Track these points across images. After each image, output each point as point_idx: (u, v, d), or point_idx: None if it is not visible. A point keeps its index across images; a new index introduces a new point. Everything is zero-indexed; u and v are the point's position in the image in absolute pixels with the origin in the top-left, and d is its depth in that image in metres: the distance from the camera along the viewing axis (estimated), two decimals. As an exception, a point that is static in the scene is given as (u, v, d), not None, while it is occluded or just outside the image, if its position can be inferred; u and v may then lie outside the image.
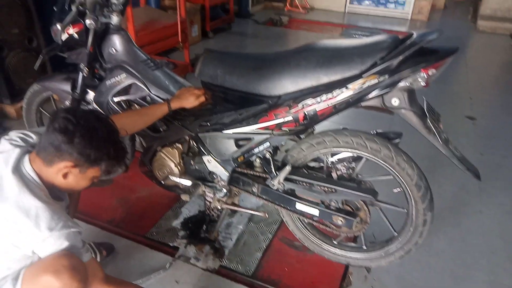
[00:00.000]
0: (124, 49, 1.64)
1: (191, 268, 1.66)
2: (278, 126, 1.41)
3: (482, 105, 3.47)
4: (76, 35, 1.64)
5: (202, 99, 1.53)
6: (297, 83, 1.33)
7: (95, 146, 1.08)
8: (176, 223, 1.92)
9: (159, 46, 3.53)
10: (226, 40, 5.06)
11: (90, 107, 1.78)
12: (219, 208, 1.77)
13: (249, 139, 1.51)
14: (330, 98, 1.29)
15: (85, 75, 1.66)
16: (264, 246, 1.82)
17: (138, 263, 1.68)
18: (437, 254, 1.82)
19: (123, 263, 1.68)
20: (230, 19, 5.45)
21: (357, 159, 1.47)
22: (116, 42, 1.64)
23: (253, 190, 1.63)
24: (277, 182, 1.51)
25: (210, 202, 1.75)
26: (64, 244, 1.05)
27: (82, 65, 1.64)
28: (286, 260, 1.76)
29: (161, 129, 1.68)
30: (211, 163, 1.62)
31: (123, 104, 1.70)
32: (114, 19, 1.58)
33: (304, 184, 1.51)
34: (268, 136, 1.46)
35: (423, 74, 1.19)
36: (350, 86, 1.26)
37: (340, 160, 1.49)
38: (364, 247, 1.64)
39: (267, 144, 1.49)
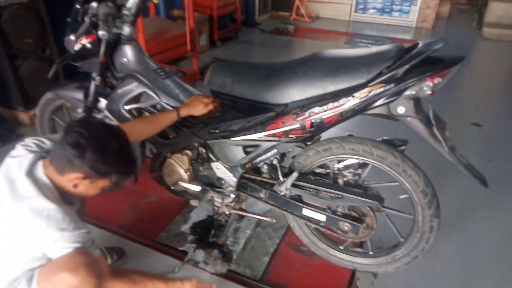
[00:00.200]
0: (135, 59, 1.69)
1: (199, 272, 1.68)
2: (286, 133, 1.44)
3: (488, 112, 3.47)
4: (88, 45, 1.69)
5: (211, 107, 1.57)
6: (304, 92, 1.35)
7: (106, 161, 1.12)
8: (185, 227, 1.95)
9: (169, 55, 3.60)
10: (233, 49, 5.12)
11: (102, 115, 1.83)
12: (227, 213, 1.80)
13: (257, 146, 1.54)
14: (336, 106, 1.32)
15: (97, 83, 1.70)
16: (272, 251, 1.84)
17: (147, 267, 1.70)
18: (444, 261, 1.82)
19: (133, 267, 1.70)
20: (237, 28, 5.52)
21: (363, 165, 1.49)
22: (128, 52, 1.68)
23: (261, 195, 1.66)
24: (284, 188, 1.53)
25: (218, 207, 1.78)
26: (75, 245, 1.08)
27: (94, 74, 1.69)
28: (293, 265, 1.77)
29: (171, 136, 1.71)
30: (220, 169, 1.66)
31: (134, 112, 1.74)
32: (126, 29, 1.63)
33: (311, 190, 1.53)
34: (275, 143, 1.48)
35: (429, 82, 1.21)
36: (356, 94, 1.28)
37: (346, 167, 1.51)
38: (371, 253, 1.65)
39: (275, 150, 1.51)
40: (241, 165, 1.61)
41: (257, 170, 1.69)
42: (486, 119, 3.28)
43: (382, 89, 1.25)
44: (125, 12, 1.63)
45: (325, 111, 1.34)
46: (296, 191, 1.55)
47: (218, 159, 1.64)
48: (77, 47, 1.71)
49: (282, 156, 1.61)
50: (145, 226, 1.96)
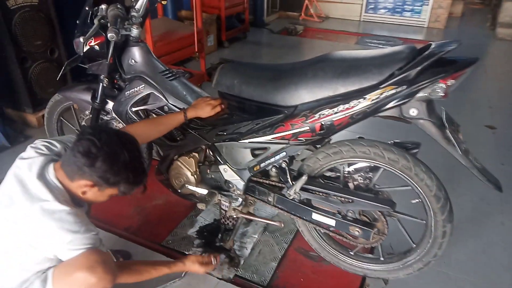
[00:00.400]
0: (143, 60, 1.68)
1: (206, 277, 1.66)
2: (295, 136, 1.41)
3: (502, 114, 3.39)
4: (97, 47, 1.68)
5: (218, 109, 1.55)
6: (314, 93, 1.33)
7: (115, 172, 1.12)
8: (192, 231, 1.93)
9: (176, 56, 3.59)
10: (241, 50, 5.11)
11: (110, 116, 1.82)
12: (235, 217, 1.78)
13: (265, 149, 1.52)
14: (347, 109, 1.29)
15: (105, 85, 1.70)
16: (280, 256, 1.81)
17: (154, 271, 1.69)
18: (457, 267, 1.78)
19: (139, 270, 1.70)
20: (245, 29, 5.51)
21: (374, 169, 1.45)
22: (136, 54, 1.68)
23: (269, 199, 1.63)
24: (293, 191, 1.51)
25: (225, 211, 1.76)
26: (87, 246, 1.11)
27: (102, 76, 1.69)
28: (301, 271, 1.74)
29: (178, 138, 1.70)
30: (227, 172, 1.63)
31: (141, 114, 1.73)
32: (134, 31, 1.62)
33: (321, 194, 1.50)
34: (284, 145, 1.46)
35: (441, 84, 1.18)
36: (367, 96, 1.25)
37: (357, 170, 1.48)
38: (382, 259, 1.61)
39: (283, 153, 1.49)
40: (249, 168, 1.58)
41: (265, 173, 1.66)
42: (500, 122, 3.21)
43: (394, 91, 1.22)
44: (133, 14, 1.62)
45: (336, 113, 1.31)
46: (305, 195, 1.53)
47: (225, 162, 1.62)
48: (85, 49, 1.71)
49: (291, 159, 1.58)
50: (152, 229, 1.95)
